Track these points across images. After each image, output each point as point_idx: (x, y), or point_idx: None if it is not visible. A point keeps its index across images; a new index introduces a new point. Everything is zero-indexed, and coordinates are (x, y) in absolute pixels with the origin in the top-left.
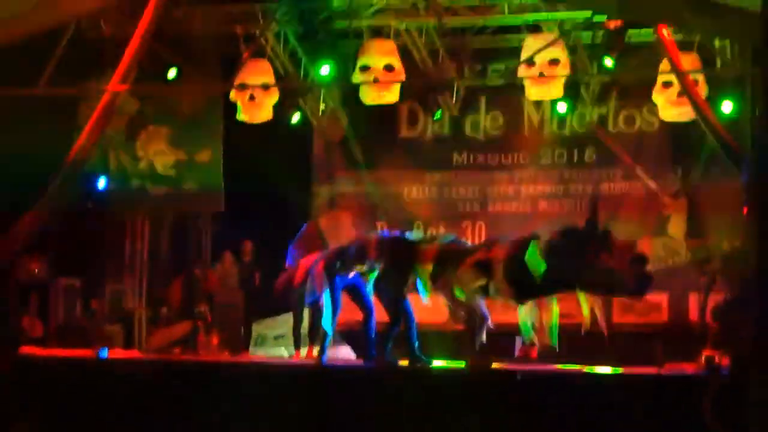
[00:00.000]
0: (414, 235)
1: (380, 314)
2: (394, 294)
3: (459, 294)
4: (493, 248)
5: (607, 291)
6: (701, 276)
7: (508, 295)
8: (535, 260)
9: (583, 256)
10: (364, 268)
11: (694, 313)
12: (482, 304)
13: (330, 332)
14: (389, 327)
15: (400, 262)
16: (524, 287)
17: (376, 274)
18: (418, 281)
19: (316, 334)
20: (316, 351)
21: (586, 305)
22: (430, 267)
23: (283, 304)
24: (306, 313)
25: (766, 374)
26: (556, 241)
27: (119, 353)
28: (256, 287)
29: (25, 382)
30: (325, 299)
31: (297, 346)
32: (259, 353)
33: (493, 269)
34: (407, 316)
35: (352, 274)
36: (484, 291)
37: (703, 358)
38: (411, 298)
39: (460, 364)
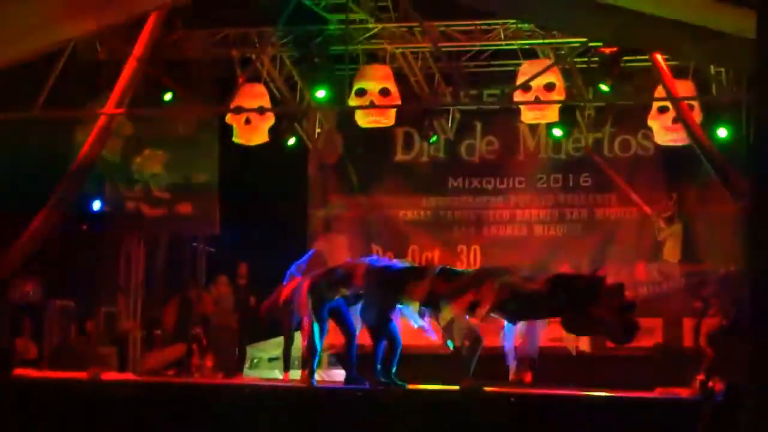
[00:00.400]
0: (402, 264)
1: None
2: (377, 320)
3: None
4: (482, 287)
5: (593, 335)
6: (696, 301)
7: (500, 316)
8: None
9: (572, 302)
10: (348, 292)
11: (688, 338)
12: (475, 326)
13: (317, 353)
14: (374, 350)
15: (384, 293)
16: (515, 315)
17: (362, 300)
18: (407, 310)
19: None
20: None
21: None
22: (417, 306)
23: (271, 324)
24: (298, 335)
25: (758, 400)
26: (546, 290)
27: (113, 375)
28: (251, 310)
29: (19, 404)
30: (313, 321)
31: (287, 368)
32: (253, 375)
33: (482, 309)
34: (394, 340)
35: (336, 297)
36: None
37: (697, 382)
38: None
39: (453, 387)
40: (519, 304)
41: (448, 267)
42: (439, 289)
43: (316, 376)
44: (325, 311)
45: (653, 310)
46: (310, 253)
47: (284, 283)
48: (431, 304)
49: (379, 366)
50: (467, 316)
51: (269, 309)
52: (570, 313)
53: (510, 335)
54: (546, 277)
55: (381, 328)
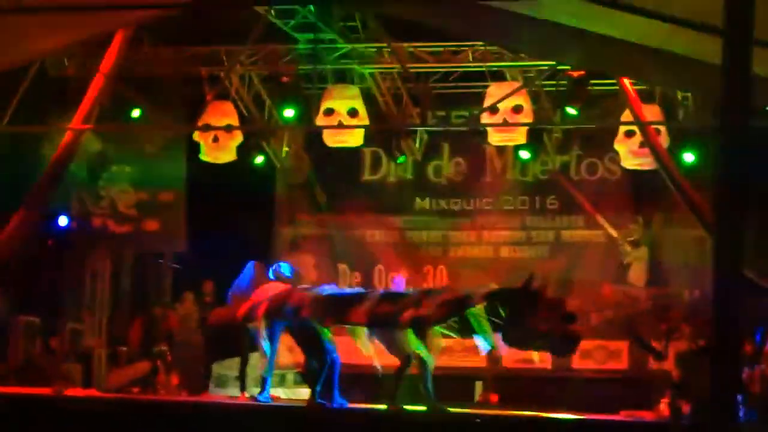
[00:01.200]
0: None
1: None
2: (317, 339)
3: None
4: (422, 305)
5: (535, 348)
6: (661, 324)
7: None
8: (477, 323)
9: (511, 314)
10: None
11: (653, 361)
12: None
13: (269, 374)
14: (318, 370)
15: (332, 319)
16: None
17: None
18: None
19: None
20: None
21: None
22: (364, 330)
23: (226, 344)
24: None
25: (720, 419)
26: (486, 305)
27: (78, 392)
28: (216, 328)
29: None
30: (265, 343)
31: (243, 388)
32: (219, 393)
33: (426, 328)
34: (332, 359)
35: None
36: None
37: (662, 405)
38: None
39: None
40: (461, 320)
41: (391, 291)
42: (381, 311)
43: (281, 394)
44: (276, 335)
45: (620, 332)
46: (250, 266)
47: (229, 301)
48: (373, 329)
49: (319, 387)
50: (410, 335)
51: (219, 322)
52: (508, 325)
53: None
54: (484, 291)
55: (319, 349)
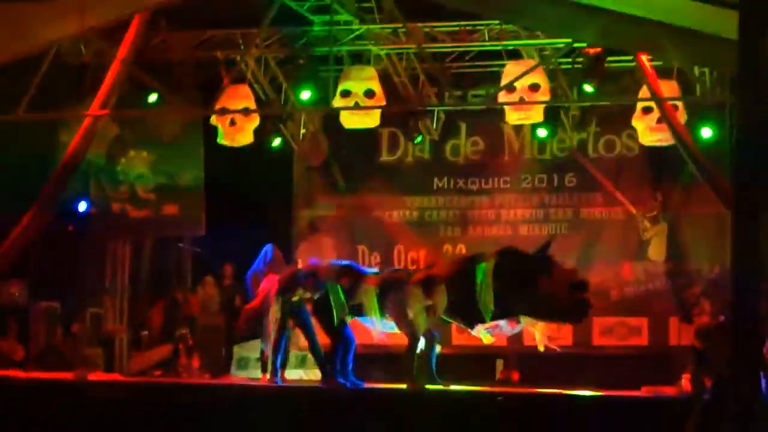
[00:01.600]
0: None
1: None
2: (331, 318)
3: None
4: (435, 266)
5: (545, 316)
6: (681, 300)
7: (457, 318)
8: (484, 283)
9: (522, 278)
10: (308, 294)
11: (674, 337)
12: (433, 326)
13: (280, 354)
14: (330, 349)
15: (346, 287)
16: (468, 310)
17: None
18: (368, 307)
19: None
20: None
21: (533, 328)
22: (375, 291)
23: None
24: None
25: (741, 395)
26: (496, 262)
27: (100, 376)
28: (237, 310)
29: (5, 406)
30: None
31: (264, 369)
32: (240, 375)
33: (436, 287)
34: (346, 339)
35: (296, 299)
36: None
37: (683, 380)
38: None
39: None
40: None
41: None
42: (394, 275)
43: (303, 375)
44: (288, 313)
45: (639, 309)
46: (267, 248)
47: (248, 285)
48: (386, 290)
49: (338, 366)
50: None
51: (251, 316)
52: (517, 292)
53: None
54: (496, 250)
55: (336, 325)
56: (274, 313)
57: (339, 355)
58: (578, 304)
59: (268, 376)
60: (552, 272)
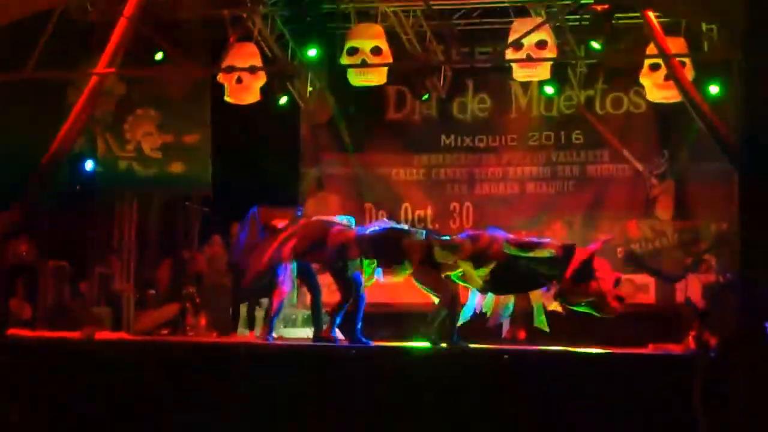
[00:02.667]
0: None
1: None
2: (349, 277)
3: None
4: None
5: (578, 307)
6: (687, 257)
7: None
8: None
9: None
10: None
11: (681, 295)
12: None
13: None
14: (339, 305)
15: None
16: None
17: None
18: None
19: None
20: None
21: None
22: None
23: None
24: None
25: (748, 357)
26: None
27: (108, 335)
28: (244, 269)
29: (13, 364)
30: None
31: (251, 327)
32: (247, 334)
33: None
34: (358, 297)
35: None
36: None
37: (690, 338)
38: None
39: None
40: None
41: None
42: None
43: (310, 334)
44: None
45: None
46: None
47: (240, 245)
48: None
49: (338, 320)
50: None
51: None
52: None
53: None
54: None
55: (352, 283)
56: (291, 272)
57: (351, 314)
58: (618, 300)
59: (256, 333)
60: (597, 271)
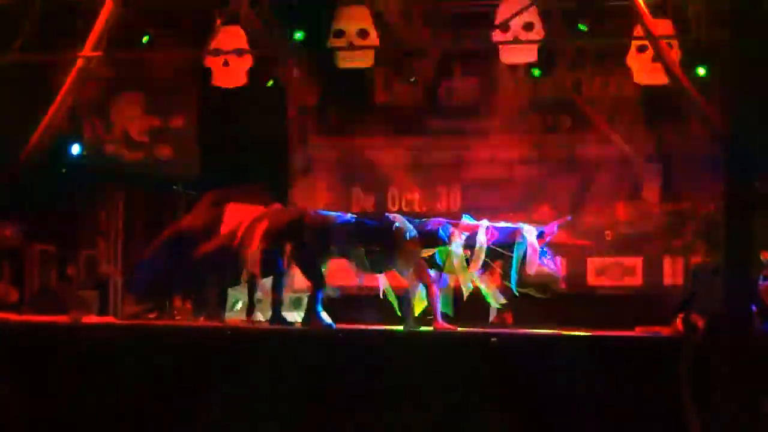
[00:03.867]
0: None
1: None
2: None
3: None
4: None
5: None
6: (676, 240)
7: None
8: None
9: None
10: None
11: (668, 277)
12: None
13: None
14: (313, 291)
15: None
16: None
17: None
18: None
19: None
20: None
21: None
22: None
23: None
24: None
25: (732, 339)
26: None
27: (94, 319)
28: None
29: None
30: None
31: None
32: (235, 318)
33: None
34: (323, 281)
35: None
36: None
37: (678, 321)
38: None
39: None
40: None
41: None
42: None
43: (298, 318)
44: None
45: (634, 249)
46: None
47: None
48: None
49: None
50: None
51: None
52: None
53: None
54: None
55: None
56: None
57: (320, 297)
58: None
59: (261, 317)
60: None
